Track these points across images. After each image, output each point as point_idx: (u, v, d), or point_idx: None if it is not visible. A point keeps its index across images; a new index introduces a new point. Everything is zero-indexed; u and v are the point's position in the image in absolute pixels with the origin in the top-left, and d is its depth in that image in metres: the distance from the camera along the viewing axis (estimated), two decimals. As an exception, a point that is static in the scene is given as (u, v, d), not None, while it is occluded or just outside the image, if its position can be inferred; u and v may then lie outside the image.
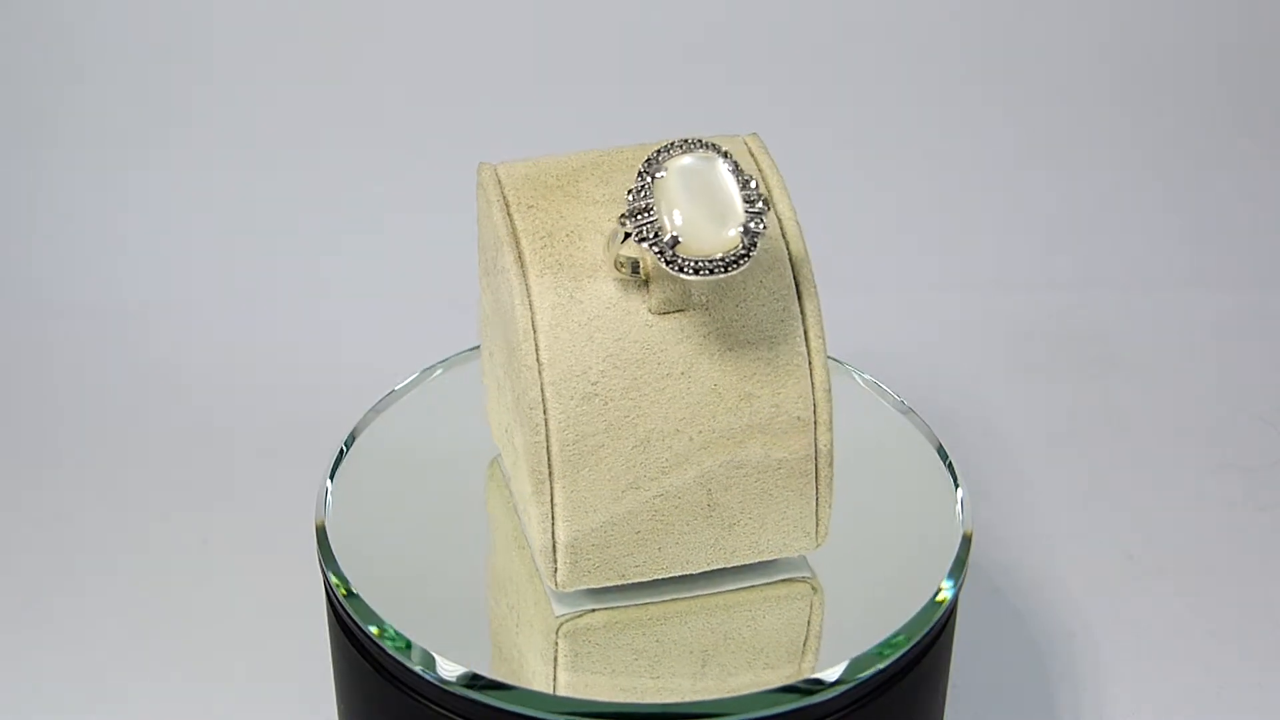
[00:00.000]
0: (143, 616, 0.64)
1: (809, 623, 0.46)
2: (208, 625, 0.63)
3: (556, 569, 0.46)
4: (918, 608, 0.47)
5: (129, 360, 0.78)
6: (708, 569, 0.47)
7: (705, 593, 0.47)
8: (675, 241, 0.42)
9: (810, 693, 0.44)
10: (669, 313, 0.45)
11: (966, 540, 0.49)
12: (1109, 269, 0.84)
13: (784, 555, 0.47)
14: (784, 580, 0.48)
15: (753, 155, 0.48)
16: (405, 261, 0.82)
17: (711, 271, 0.42)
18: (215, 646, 0.62)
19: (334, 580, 0.47)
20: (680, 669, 0.45)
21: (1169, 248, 0.85)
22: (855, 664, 0.45)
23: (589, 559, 0.46)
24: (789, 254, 0.46)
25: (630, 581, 0.46)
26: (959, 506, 0.51)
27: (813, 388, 0.45)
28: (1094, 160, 0.85)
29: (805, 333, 0.46)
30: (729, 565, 0.47)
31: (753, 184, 0.43)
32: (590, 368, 0.44)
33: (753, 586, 0.48)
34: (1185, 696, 0.60)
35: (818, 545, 0.47)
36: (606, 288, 0.45)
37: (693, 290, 0.45)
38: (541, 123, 0.82)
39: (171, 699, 0.60)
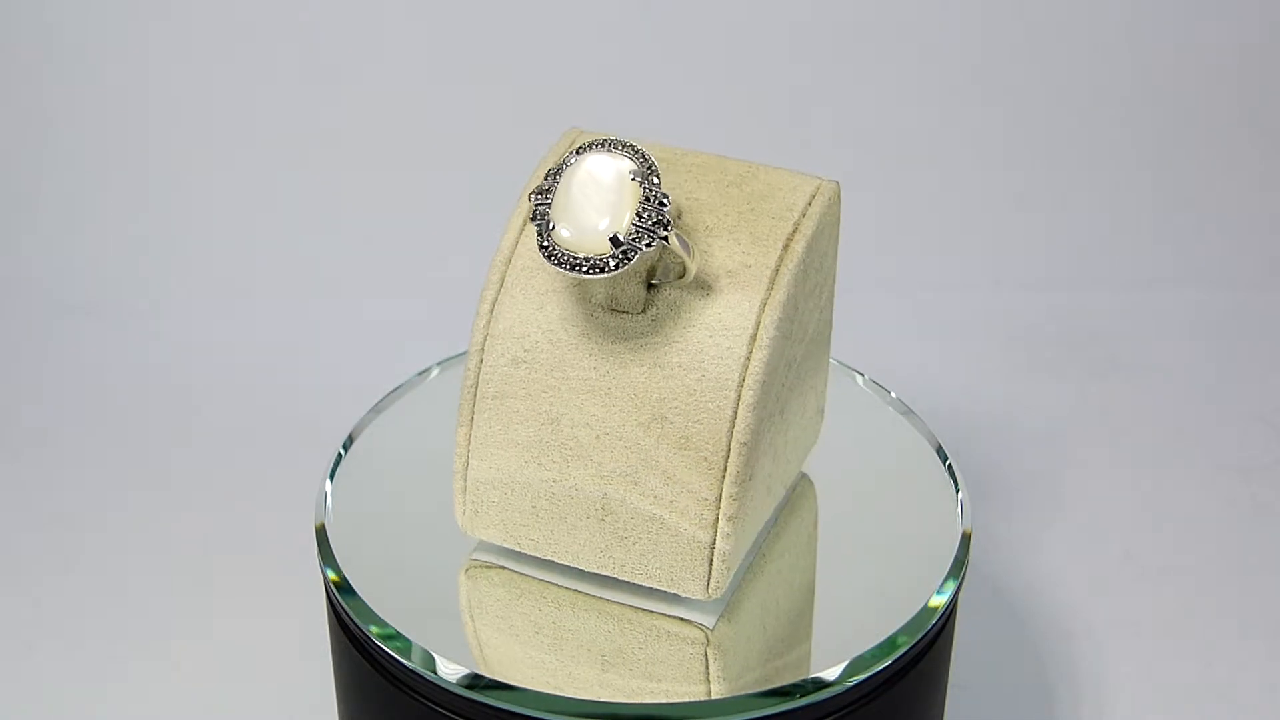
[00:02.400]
0: (143, 616, 0.64)
1: (706, 670, 0.45)
2: (208, 625, 0.63)
3: (464, 510, 0.47)
4: (917, 608, 0.47)
5: (129, 360, 0.78)
6: (599, 572, 0.47)
7: (602, 596, 0.47)
8: (552, 228, 0.43)
9: (810, 693, 0.44)
10: (618, 311, 0.45)
11: (966, 540, 0.49)
12: (1109, 269, 0.84)
13: (674, 591, 0.46)
14: (680, 618, 0.46)
15: (812, 197, 0.47)
16: (405, 262, 0.82)
17: (574, 268, 0.42)
18: (215, 646, 0.62)
19: (334, 581, 0.48)
20: (581, 659, 0.45)
21: (1169, 248, 0.85)
22: (855, 664, 0.45)
23: (489, 514, 0.47)
24: (763, 301, 0.45)
25: (526, 552, 0.47)
26: (959, 507, 0.51)
27: (731, 436, 0.44)
28: (1094, 160, 0.85)
29: (742, 380, 0.44)
30: (619, 577, 0.46)
31: (660, 202, 0.42)
32: (528, 334, 0.45)
33: (649, 611, 0.47)
34: (1185, 696, 0.60)
35: (709, 597, 0.45)
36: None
37: (643, 297, 0.45)
38: (549, 125, 0.82)
39: (172, 699, 0.60)
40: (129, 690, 0.60)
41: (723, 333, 0.44)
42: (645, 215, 0.42)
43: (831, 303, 0.50)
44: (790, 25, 0.83)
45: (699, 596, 0.45)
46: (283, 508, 0.68)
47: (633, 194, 0.42)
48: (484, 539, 0.48)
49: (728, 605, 0.47)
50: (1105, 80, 0.84)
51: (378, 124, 0.83)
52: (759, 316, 0.44)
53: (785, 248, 0.45)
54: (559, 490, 0.46)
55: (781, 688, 0.44)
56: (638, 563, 0.46)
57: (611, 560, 0.46)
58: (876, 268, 0.83)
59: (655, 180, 0.43)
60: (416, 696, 0.46)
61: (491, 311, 0.46)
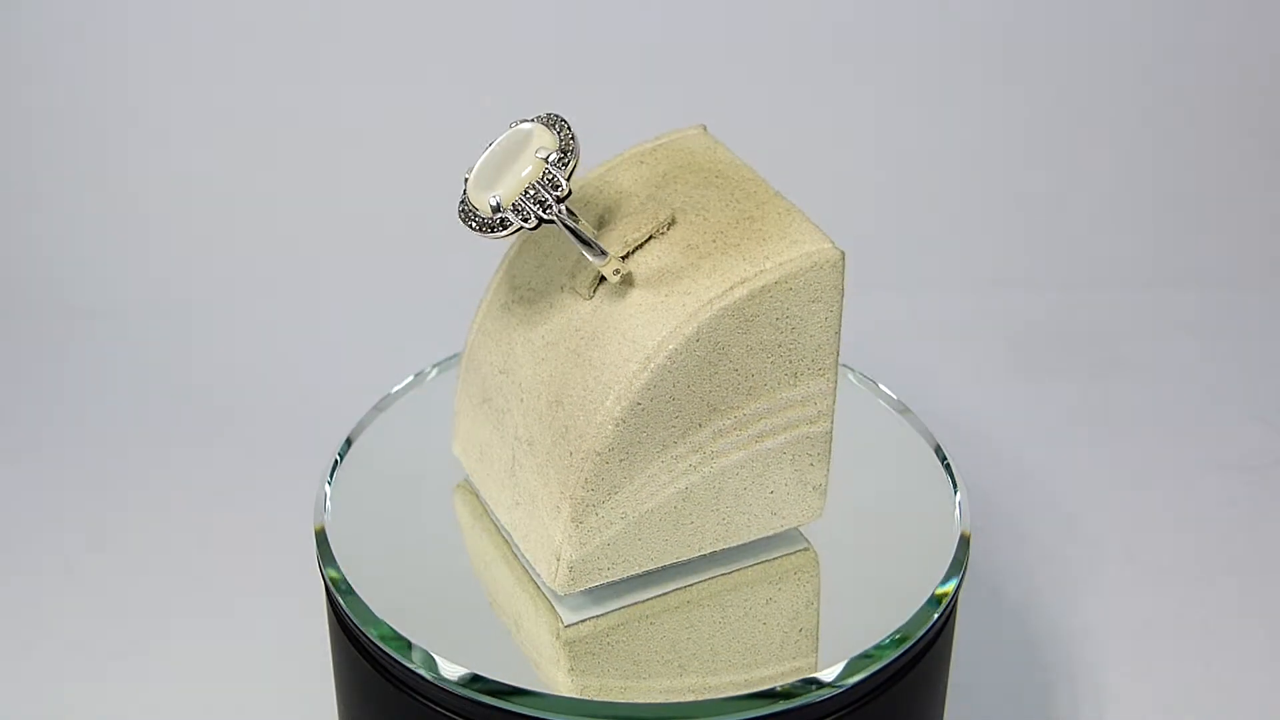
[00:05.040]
0: (142, 616, 0.64)
1: (559, 662, 0.45)
2: (208, 625, 0.63)
3: (456, 428, 0.51)
4: (916, 608, 0.47)
5: (130, 360, 0.78)
6: (505, 527, 0.48)
7: (515, 553, 0.48)
8: (466, 179, 0.44)
9: (809, 692, 0.44)
10: (574, 290, 0.46)
11: (965, 540, 0.49)
12: (1109, 269, 0.84)
13: (539, 572, 0.46)
14: (549, 603, 0.47)
15: (799, 255, 0.45)
16: (404, 263, 0.82)
17: (466, 222, 0.44)
18: (215, 646, 0.62)
19: (334, 581, 0.48)
20: (502, 614, 0.47)
21: (1169, 248, 0.85)
22: (853, 664, 0.45)
23: (460, 439, 0.50)
24: (674, 329, 0.44)
25: (473, 488, 0.50)
26: (957, 507, 0.51)
27: (606, 439, 0.44)
28: (1094, 160, 0.85)
29: (617, 389, 0.44)
30: (513, 539, 0.48)
31: (555, 186, 0.43)
32: (517, 288, 0.48)
33: (537, 584, 0.47)
34: (1185, 696, 0.60)
35: (557, 588, 0.46)
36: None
37: (590, 284, 0.45)
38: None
39: (172, 699, 0.60)
40: (129, 690, 0.60)
41: (630, 344, 0.44)
42: (533, 193, 0.43)
43: (828, 376, 0.46)
44: (790, 25, 0.83)
45: (551, 584, 0.46)
46: (283, 508, 0.68)
47: (533, 170, 0.43)
48: (458, 457, 0.50)
49: (608, 614, 0.46)
50: (1106, 80, 0.84)
51: (379, 123, 0.83)
52: (662, 342, 0.44)
53: (729, 289, 0.44)
54: (494, 438, 0.48)
55: (780, 688, 0.44)
56: (523, 532, 0.47)
57: (512, 520, 0.47)
58: (876, 268, 0.83)
59: (564, 166, 0.43)
60: (416, 696, 0.46)
61: (515, 256, 0.48)
